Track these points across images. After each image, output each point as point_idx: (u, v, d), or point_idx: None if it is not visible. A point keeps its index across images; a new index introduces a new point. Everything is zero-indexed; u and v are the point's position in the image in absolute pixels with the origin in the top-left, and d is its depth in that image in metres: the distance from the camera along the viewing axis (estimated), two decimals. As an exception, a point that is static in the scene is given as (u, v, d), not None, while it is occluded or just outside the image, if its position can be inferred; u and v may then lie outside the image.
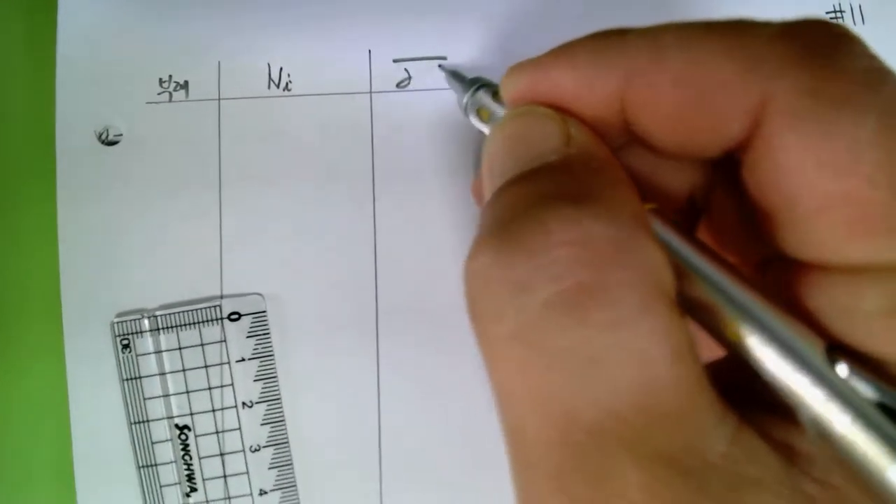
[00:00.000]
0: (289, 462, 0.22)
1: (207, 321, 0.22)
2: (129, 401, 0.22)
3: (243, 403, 0.22)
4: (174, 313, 0.22)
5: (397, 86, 0.22)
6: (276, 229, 0.22)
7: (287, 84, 0.22)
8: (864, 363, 0.11)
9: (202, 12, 0.22)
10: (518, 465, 0.12)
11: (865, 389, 0.11)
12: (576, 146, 0.14)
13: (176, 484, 0.22)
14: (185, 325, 0.22)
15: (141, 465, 0.22)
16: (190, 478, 0.22)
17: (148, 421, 0.22)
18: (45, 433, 0.22)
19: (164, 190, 0.22)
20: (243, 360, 0.22)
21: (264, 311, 0.22)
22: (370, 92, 0.22)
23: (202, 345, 0.22)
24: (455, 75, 0.21)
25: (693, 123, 0.13)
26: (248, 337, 0.22)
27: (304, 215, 0.22)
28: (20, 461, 0.22)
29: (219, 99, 0.22)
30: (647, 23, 0.14)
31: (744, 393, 0.12)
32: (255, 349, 0.22)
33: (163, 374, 0.22)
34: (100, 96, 0.22)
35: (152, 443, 0.22)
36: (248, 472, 0.22)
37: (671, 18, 0.14)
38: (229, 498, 0.22)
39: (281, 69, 0.22)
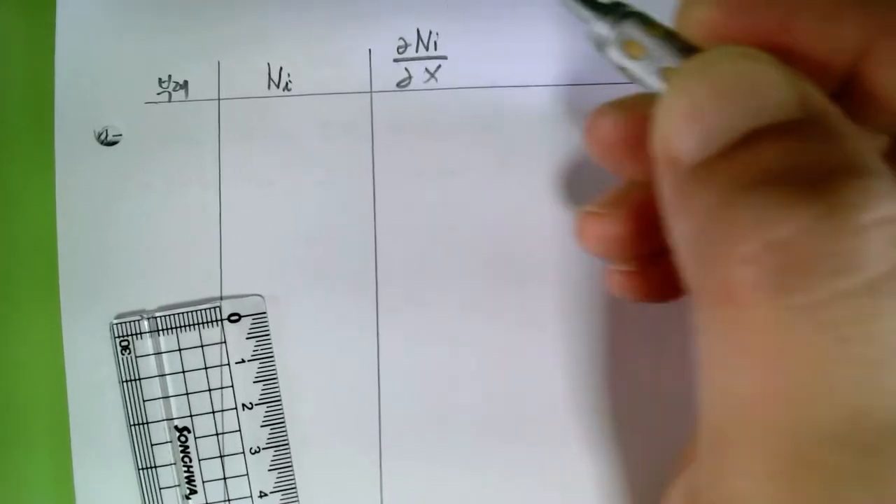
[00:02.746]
0: (289, 464, 0.22)
1: (207, 322, 0.22)
2: (128, 403, 0.22)
3: (243, 405, 0.22)
4: (174, 314, 0.22)
5: (397, 85, 0.22)
6: (276, 230, 0.22)
7: (287, 84, 0.22)
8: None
9: (202, 12, 0.22)
10: (774, 461, 0.10)
11: None
12: (814, 107, 0.11)
13: (176, 486, 0.22)
14: (184, 326, 0.22)
15: (140, 466, 0.22)
16: (190, 480, 0.22)
17: (147, 423, 0.22)
18: (42, 434, 0.22)
19: (164, 190, 0.22)
20: (243, 361, 0.22)
21: (264, 313, 0.22)
22: (370, 92, 0.22)
23: (202, 346, 0.22)
24: None
25: None
26: (247, 338, 0.22)
27: (304, 216, 0.22)
28: (18, 463, 0.22)
29: (218, 99, 0.22)
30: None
31: None
32: (254, 350, 0.22)
33: (162, 375, 0.22)
34: (99, 96, 0.22)
35: (152, 445, 0.22)
36: (247, 474, 0.22)
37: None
38: (229, 500, 0.22)
39: (281, 69, 0.22)
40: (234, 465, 0.22)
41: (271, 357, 0.22)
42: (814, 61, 0.13)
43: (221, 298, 0.22)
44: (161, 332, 0.22)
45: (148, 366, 0.22)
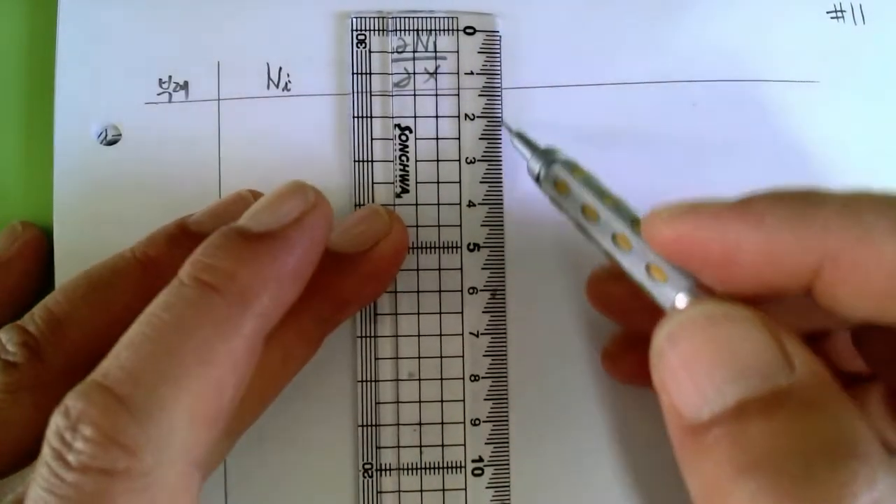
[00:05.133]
0: (499, 177, 0.22)
1: (442, 30, 0.22)
2: (355, 97, 0.22)
3: (466, 115, 0.22)
4: (412, 18, 0.22)
5: (397, 85, 0.23)
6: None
7: (287, 84, 0.22)
8: None
9: (202, 12, 0.23)
10: None
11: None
12: (802, 367, 0.13)
13: (390, 182, 0.22)
14: (420, 30, 0.22)
15: (355, 159, 0.22)
16: (403, 179, 0.22)
17: (371, 116, 0.22)
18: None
19: (164, 191, 0.22)
20: (472, 73, 0.22)
21: (495, 34, 0.23)
22: (370, 92, 0.22)
23: (435, 54, 0.22)
24: (523, 140, 0.20)
25: None
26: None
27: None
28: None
29: (218, 99, 0.22)
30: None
31: None
32: (485, 68, 0.22)
33: (390, 74, 0.22)
34: (99, 97, 0.22)
35: (372, 139, 0.22)
36: (460, 182, 0.22)
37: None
38: (439, 203, 0.22)
39: (280, 69, 0.22)
40: (448, 172, 0.22)
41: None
42: (768, 285, 0.14)
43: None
44: (396, 33, 0.22)
45: (379, 62, 0.22)
